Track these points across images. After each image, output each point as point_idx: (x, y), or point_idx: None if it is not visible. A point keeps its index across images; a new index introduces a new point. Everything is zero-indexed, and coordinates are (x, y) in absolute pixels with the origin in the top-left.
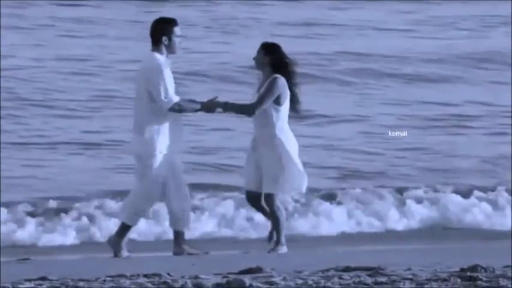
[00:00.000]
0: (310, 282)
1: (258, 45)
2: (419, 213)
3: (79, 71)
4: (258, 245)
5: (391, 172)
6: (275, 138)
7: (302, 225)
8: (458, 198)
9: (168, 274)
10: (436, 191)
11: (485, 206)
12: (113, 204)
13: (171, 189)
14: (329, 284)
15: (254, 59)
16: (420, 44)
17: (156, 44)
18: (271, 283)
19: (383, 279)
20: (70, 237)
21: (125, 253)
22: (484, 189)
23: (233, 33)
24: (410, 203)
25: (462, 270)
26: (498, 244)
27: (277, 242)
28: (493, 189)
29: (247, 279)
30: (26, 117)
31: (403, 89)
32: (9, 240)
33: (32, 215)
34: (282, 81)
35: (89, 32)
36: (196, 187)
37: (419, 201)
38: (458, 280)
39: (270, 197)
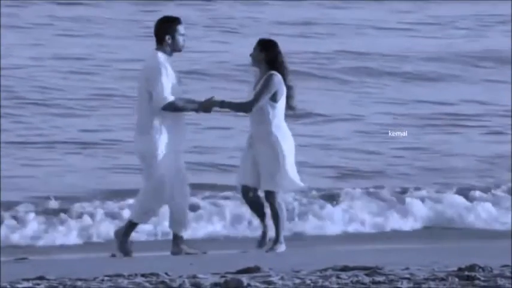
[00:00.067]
0: (308, 281)
1: None
2: (418, 213)
3: (77, 70)
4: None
5: (390, 171)
6: (271, 135)
7: (301, 225)
8: (457, 197)
9: (166, 274)
10: (434, 190)
11: (484, 205)
12: (111, 204)
13: (173, 189)
14: (327, 283)
15: (250, 55)
16: (419, 43)
17: (159, 42)
18: (269, 282)
19: (381, 278)
20: (69, 237)
21: (131, 251)
22: (482, 189)
23: (232, 33)
24: (408, 202)
25: (460, 269)
26: (496, 244)
27: (276, 240)
28: (491, 189)
29: (245, 279)
30: (24, 116)
31: (402, 88)
32: (8, 240)
33: (31, 214)
34: (278, 78)
35: (87, 31)
36: (194, 187)
37: (417, 201)
38: (456, 279)
39: (271, 195)
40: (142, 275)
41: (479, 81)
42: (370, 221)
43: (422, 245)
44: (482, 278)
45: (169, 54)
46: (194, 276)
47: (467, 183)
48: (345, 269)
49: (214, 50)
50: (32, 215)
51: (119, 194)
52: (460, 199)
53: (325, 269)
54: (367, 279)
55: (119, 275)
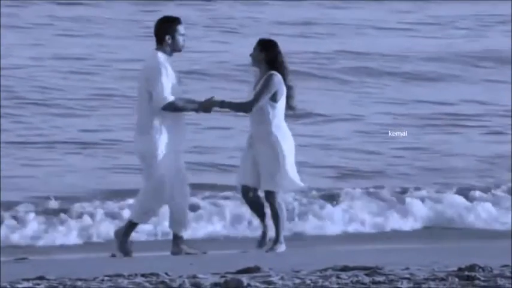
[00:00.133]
0: (308, 281)
1: None
2: (418, 213)
3: (77, 70)
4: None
5: (390, 171)
6: (271, 135)
7: (301, 225)
8: (457, 197)
9: (166, 274)
10: (434, 190)
11: (484, 205)
12: (111, 204)
13: (173, 189)
14: (327, 283)
15: (250, 55)
16: (419, 43)
17: (159, 42)
18: (269, 282)
19: (381, 278)
20: (69, 237)
21: (131, 251)
22: (482, 189)
23: (232, 33)
24: (408, 202)
25: (460, 269)
26: (496, 244)
27: (276, 240)
28: (491, 189)
29: (245, 279)
30: (24, 116)
31: (402, 88)
32: (8, 240)
33: (31, 214)
34: (278, 77)
35: (87, 31)
36: (194, 187)
37: (417, 201)
38: (456, 279)
39: (271, 195)
40: (142, 275)
41: (479, 81)
42: (370, 221)
43: (422, 245)
44: (482, 278)
45: (169, 54)
46: (194, 276)
47: (467, 183)
48: (344, 269)
49: (214, 50)
50: (32, 215)
51: (119, 194)
52: (460, 199)
53: (325, 269)
54: (367, 279)
55: (118, 275)
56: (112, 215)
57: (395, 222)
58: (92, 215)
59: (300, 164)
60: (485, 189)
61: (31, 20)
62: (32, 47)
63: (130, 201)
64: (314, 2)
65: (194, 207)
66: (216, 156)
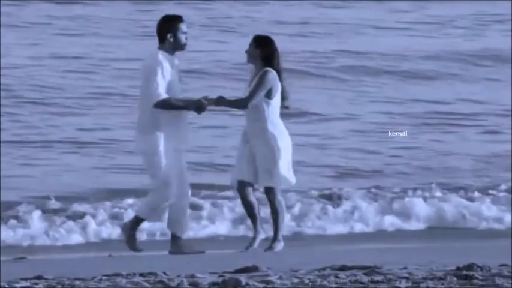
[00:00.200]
0: (306, 281)
1: None
2: (416, 213)
3: (75, 69)
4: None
5: (388, 171)
6: (267, 132)
7: (301, 224)
8: (456, 197)
9: (164, 273)
10: (433, 190)
11: (483, 205)
12: (109, 204)
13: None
14: (325, 282)
15: (246, 52)
16: (418, 42)
17: (161, 41)
18: (267, 282)
19: (379, 278)
20: (68, 237)
21: (138, 246)
22: (481, 189)
23: (230, 32)
24: (408, 202)
25: (458, 268)
26: (494, 243)
27: (274, 239)
28: (490, 188)
29: (243, 278)
30: (22, 114)
31: (400, 87)
32: (8, 239)
33: (30, 214)
34: (273, 74)
35: (85, 31)
36: (193, 187)
37: (417, 200)
38: (454, 279)
39: (271, 191)
40: (141, 275)
41: (477, 80)
42: (369, 220)
43: (421, 245)
44: (480, 277)
45: (171, 52)
46: (192, 276)
47: (467, 183)
48: (343, 268)
49: (213, 49)
50: (31, 215)
51: (117, 194)
52: (459, 199)
53: (324, 269)
54: (365, 279)
55: (117, 275)
56: (110, 215)
57: (394, 222)
58: (90, 215)
59: (297, 163)
60: (484, 189)
61: (29, 19)
62: (30, 46)
63: (129, 200)
64: (312, 1)
65: (194, 207)
66: (212, 156)
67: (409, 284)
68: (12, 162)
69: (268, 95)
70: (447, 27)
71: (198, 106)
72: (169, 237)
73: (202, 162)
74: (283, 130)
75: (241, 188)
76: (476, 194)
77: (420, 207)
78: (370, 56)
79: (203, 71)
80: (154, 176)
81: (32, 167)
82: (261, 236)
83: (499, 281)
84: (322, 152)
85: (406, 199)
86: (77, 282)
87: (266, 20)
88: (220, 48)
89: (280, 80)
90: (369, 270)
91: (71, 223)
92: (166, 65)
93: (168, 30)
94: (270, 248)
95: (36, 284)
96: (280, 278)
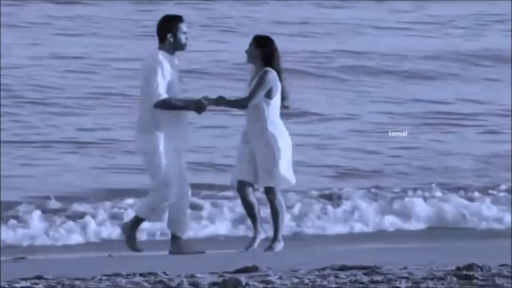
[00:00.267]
0: (306, 281)
1: None
2: (416, 213)
3: (75, 69)
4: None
5: (388, 171)
6: (267, 132)
7: (301, 224)
8: (456, 197)
9: (164, 273)
10: (433, 190)
11: (483, 205)
12: (109, 204)
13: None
14: (325, 282)
15: (246, 52)
16: (418, 42)
17: (161, 41)
18: (267, 282)
19: (379, 278)
20: (68, 237)
21: (138, 246)
22: (481, 189)
23: (230, 32)
24: (408, 202)
25: (458, 268)
26: (494, 243)
27: (274, 238)
28: (490, 188)
29: (243, 278)
30: (22, 114)
31: (400, 87)
32: (8, 239)
33: (30, 214)
34: (273, 74)
35: (85, 30)
36: (193, 187)
37: (417, 200)
38: (454, 279)
39: (271, 191)
40: (141, 275)
41: (477, 80)
42: (369, 220)
43: (421, 245)
44: (480, 277)
45: (171, 52)
46: (192, 276)
47: (467, 183)
48: (343, 268)
49: (213, 49)
50: (31, 215)
51: (117, 194)
52: (459, 199)
53: (324, 269)
54: (365, 279)
55: (117, 275)
56: (110, 215)
57: (394, 222)
58: (89, 215)
59: (297, 163)
60: (484, 189)
61: (29, 19)
62: (30, 46)
63: (129, 200)
64: (312, 1)
65: (194, 207)
66: (212, 156)
67: (409, 284)
68: (12, 162)
69: (268, 95)
70: (447, 27)
71: (198, 106)
72: (169, 237)
73: (202, 162)
74: (283, 130)
75: (241, 188)
76: (476, 194)
77: (420, 207)
78: (370, 56)
79: (203, 71)
80: (154, 176)
81: (32, 167)
82: (261, 236)
83: (499, 281)
84: (322, 152)
85: (406, 199)
86: (77, 282)
87: (266, 20)
88: (220, 48)
89: (280, 80)
90: (369, 270)
91: (71, 223)
92: (166, 65)
93: (168, 30)
94: (270, 248)
95: (36, 284)
96: (280, 278)
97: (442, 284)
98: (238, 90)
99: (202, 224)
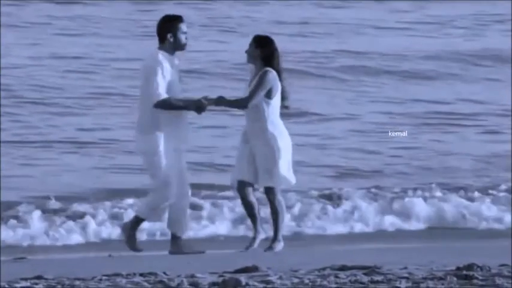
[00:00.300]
0: (306, 281)
1: None
2: (417, 213)
3: (75, 69)
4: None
5: (388, 171)
6: (267, 132)
7: (301, 224)
8: (456, 197)
9: (164, 273)
10: (433, 190)
11: (483, 205)
12: (109, 204)
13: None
14: (325, 282)
15: (246, 52)
16: (418, 42)
17: (161, 41)
18: (267, 282)
19: (379, 278)
20: (68, 237)
21: (139, 246)
22: (481, 189)
23: (230, 32)
24: (408, 202)
25: (458, 268)
26: (494, 243)
27: (274, 239)
28: (490, 188)
29: (243, 278)
30: (22, 114)
31: (400, 87)
32: (8, 239)
33: (31, 214)
34: (273, 74)
35: (85, 30)
36: (193, 187)
37: (417, 200)
38: (454, 279)
39: (271, 191)
40: (141, 275)
41: (477, 80)
42: (369, 220)
43: (421, 245)
44: (480, 277)
45: (171, 52)
46: (192, 276)
47: (467, 183)
48: (343, 268)
49: (213, 49)
50: (31, 215)
51: (117, 194)
52: (459, 199)
53: (324, 269)
54: (365, 279)
55: (117, 275)
56: (110, 215)
57: (394, 222)
58: (89, 215)
59: (297, 163)
60: (484, 189)
61: (29, 19)
62: (30, 46)
63: (129, 200)
64: (312, 1)
65: (194, 207)
66: (212, 156)
67: (409, 284)
68: (12, 162)
69: (268, 95)
70: (447, 27)
71: (198, 106)
72: (169, 237)
73: (202, 162)
74: (283, 130)
75: (241, 188)
76: (476, 194)
77: (420, 207)
78: (370, 56)
79: (203, 71)
80: (154, 176)
81: (32, 167)
82: (261, 236)
83: (499, 281)
84: (322, 152)
85: (406, 199)
86: (77, 282)
87: (266, 20)
88: (220, 48)
89: (280, 80)
90: (369, 270)
91: (71, 223)
92: (166, 65)
93: (168, 30)
94: (270, 248)
95: (36, 284)
96: (280, 278)
97: (442, 284)
98: (238, 90)
99: (202, 224)
